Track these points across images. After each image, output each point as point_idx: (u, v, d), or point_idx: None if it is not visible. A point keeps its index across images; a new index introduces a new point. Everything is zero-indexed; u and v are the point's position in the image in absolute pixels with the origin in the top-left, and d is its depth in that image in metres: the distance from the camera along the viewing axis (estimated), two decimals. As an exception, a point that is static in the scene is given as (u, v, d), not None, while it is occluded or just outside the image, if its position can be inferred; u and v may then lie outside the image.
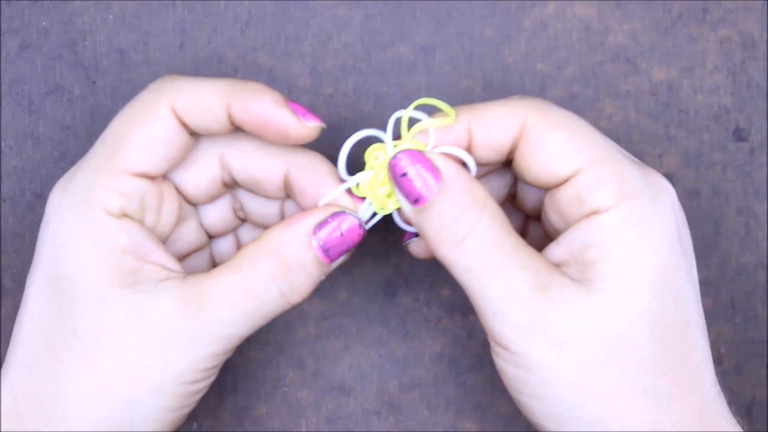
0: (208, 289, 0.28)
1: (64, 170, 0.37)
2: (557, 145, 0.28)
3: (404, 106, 0.36)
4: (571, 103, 0.36)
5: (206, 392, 0.37)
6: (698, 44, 0.37)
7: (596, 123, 0.36)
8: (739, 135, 0.37)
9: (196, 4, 0.37)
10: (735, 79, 0.37)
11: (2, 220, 0.37)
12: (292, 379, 0.37)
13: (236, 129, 0.30)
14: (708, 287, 0.37)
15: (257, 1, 0.37)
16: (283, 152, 0.30)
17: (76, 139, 0.37)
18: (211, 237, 0.34)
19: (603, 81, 0.37)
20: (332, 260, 0.29)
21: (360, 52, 0.37)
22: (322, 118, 0.37)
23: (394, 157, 0.28)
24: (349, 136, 0.37)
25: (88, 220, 0.28)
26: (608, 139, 0.29)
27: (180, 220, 0.32)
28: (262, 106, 0.28)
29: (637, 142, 0.37)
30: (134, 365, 0.28)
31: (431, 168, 0.28)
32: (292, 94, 0.37)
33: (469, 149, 0.29)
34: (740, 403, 0.37)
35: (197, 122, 0.29)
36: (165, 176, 0.31)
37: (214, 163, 0.31)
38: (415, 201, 0.28)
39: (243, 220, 0.34)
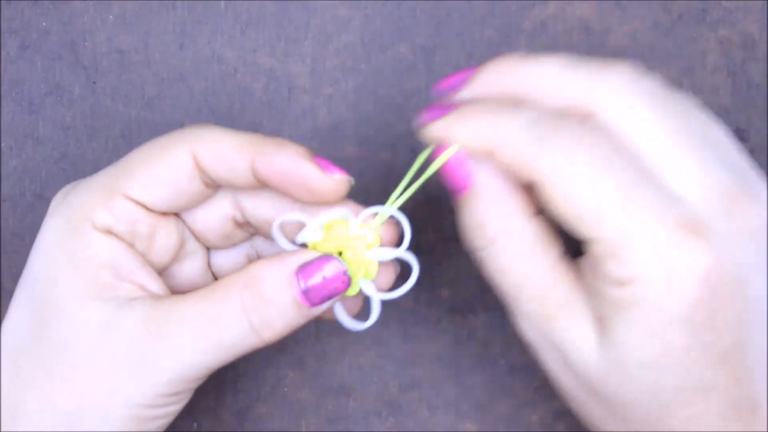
0: (175, 313, 0.27)
1: (64, 170, 0.37)
2: (565, 215, 0.26)
3: (404, 106, 0.37)
4: (571, 103, 0.36)
5: (206, 392, 0.37)
6: (698, 44, 0.37)
7: (596, 123, 0.36)
8: (739, 135, 0.37)
9: (196, 4, 0.37)
10: (735, 80, 0.37)
11: (2, 220, 0.37)
12: (292, 379, 0.37)
13: (260, 186, 0.29)
14: (708, 287, 0.37)
15: (257, 1, 0.37)
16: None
17: (76, 139, 0.37)
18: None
19: (603, 81, 0.37)
20: (313, 304, 0.28)
21: (360, 53, 0.37)
22: (322, 118, 0.37)
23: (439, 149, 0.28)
24: (349, 136, 0.37)
25: (73, 230, 0.28)
26: (634, 177, 0.25)
27: (184, 255, 0.31)
28: (286, 159, 0.28)
29: (637, 142, 0.37)
30: (84, 381, 0.27)
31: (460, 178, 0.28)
32: (292, 94, 0.37)
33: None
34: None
35: (218, 172, 0.28)
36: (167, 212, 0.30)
37: (226, 203, 0.30)
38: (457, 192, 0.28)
39: None
